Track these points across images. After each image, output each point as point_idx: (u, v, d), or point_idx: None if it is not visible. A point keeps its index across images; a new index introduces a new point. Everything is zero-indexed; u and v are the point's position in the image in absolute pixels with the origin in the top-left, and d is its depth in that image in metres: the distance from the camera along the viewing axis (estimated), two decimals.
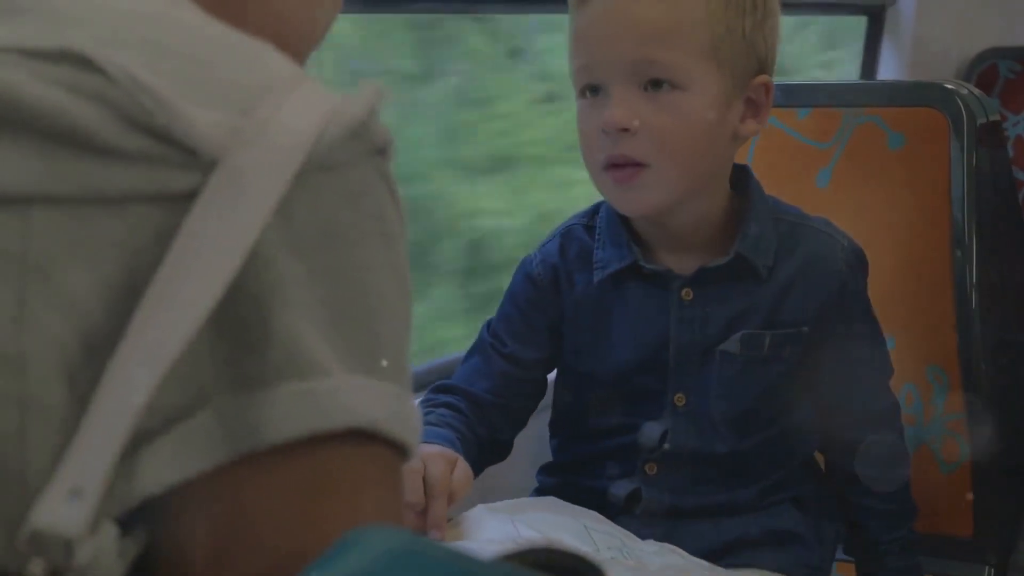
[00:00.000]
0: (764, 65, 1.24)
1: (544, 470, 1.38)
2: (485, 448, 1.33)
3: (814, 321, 1.27)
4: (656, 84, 1.19)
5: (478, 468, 1.32)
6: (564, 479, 1.34)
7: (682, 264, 1.26)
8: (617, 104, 1.19)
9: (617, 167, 1.21)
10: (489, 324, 1.37)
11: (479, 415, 1.33)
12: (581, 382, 1.33)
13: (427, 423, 1.28)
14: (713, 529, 1.28)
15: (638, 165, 1.20)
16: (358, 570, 0.45)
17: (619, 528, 1.25)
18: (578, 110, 1.24)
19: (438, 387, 1.36)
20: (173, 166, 0.50)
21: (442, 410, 1.31)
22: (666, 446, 1.28)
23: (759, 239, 1.26)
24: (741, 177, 1.30)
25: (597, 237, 1.30)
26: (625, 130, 1.19)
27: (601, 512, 1.28)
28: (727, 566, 1.27)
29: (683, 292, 1.26)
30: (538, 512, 1.24)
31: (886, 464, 1.35)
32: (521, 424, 1.37)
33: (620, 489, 1.29)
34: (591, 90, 1.22)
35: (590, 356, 1.32)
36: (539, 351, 1.34)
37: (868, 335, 1.34)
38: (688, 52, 1.19)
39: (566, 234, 1.33)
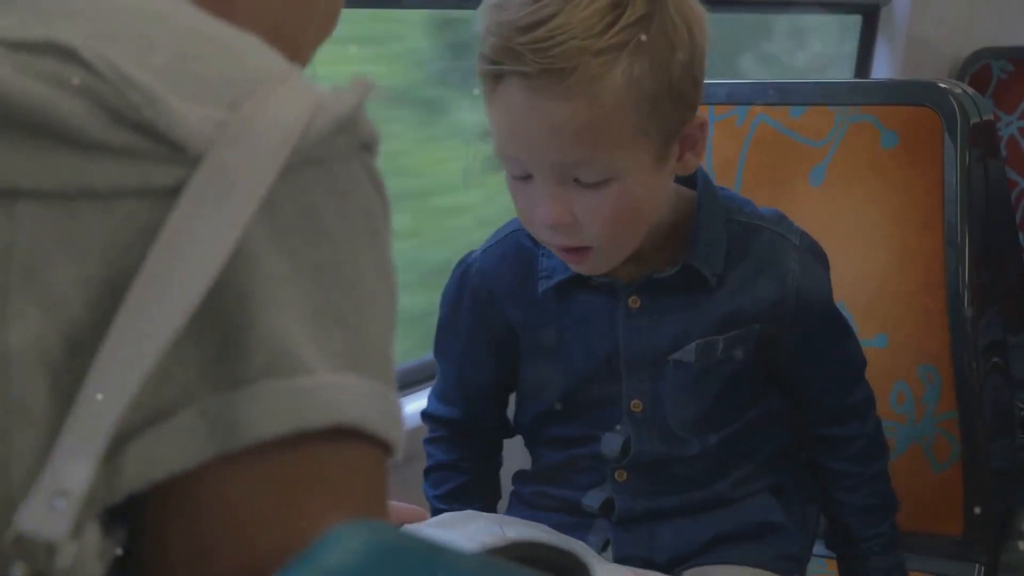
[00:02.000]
0: (696, 104, 1.17)
1: (519, 477, 1.37)
2: (483, 456, 1.38)
3: (767, 318, 1.24)
4: (586, 181, 1.13)
5: (488, 479, 1.39)
6: (537, 488, 1.33)
7: (630, 271, 1.22)
8: (549, 202, 1.13)
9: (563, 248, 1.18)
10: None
11: (464, 433, 1.36)
12: (538, 392, 1.31)
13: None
14: (691, 525, 1.27)
15: (584, 247, 1.17)
16: (343, 565, 0.45)
17: (608, 562, 1.24)
18: (508, 183, 1.18)
19: (424, 416, 1.39)
20: (158, 161, 0.49)
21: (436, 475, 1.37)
22: (629, 455, 1.25)
23: (709, 246, 1.22)
24: (691, 176, 1.25)
25: (541, 245, 1.25)
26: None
27: (572, 515, 1.28)
28: (707, 563, 1.26)
29: (630, 300, 1.23)
30: (526, 528, 1.25)
31: (860, 458, 1.33)
32: (505, 404, 1.38)
33: (593, 500, 1.28)
34: (521, 176, 1.16)
35: (543, 367, 1.29)
36: (487, 357, 1.32)
37: (832, 331, 1.31)
38: (614, 144, 1.11)
39: (509, 240, 1.29)
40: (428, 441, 1.39)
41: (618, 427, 1.26)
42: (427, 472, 1.39)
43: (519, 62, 1.09)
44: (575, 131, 1.10)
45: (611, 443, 1.26)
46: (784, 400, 1.32)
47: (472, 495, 1.35)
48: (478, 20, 1.13)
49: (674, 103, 1.13)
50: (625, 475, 1.27)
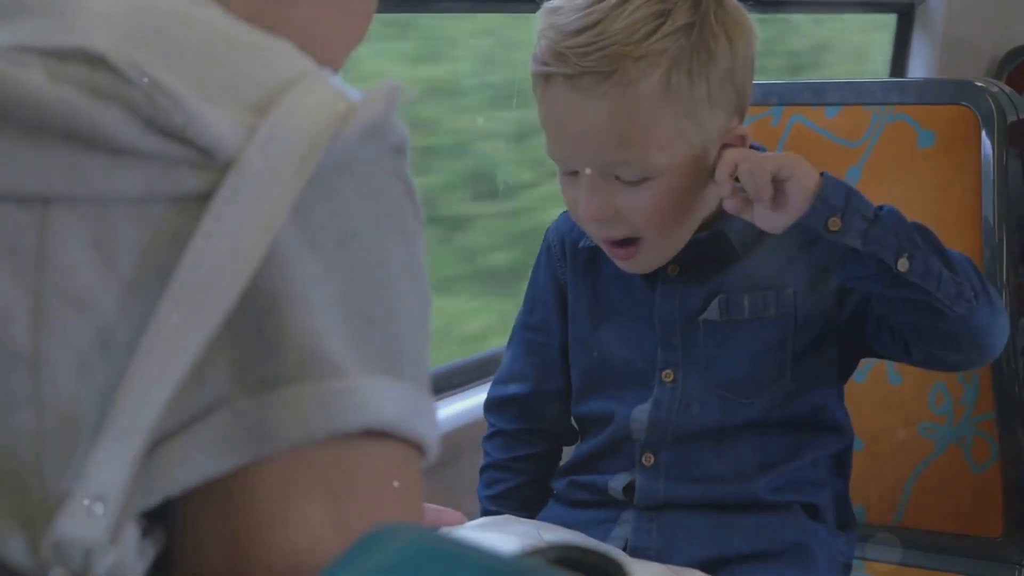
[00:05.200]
0: (740, 112, 1.22)
1: (555, 474, 1.38)
2: (540, 458, 1.39)
3: (806, 283, 1.25)
4: (626, 179, 1.18)
5: (540, 484, 1.38)
6: (569, 478, 1.34)
7: None
8: (592, 196, 1.19)
9: (611, 243, 1.23)
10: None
11: (533, 418, 1.37)
12: (579, 353, 1.33)
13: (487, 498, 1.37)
14: (715, 524, 1.24)
15: (631, 240, 1.21)
16: (379, 567, 0.45)
17: (645, 561, 1.22)
18: (559, 178, 1.24)
19: (488, 407, 1.41)
20: (189, 166, 0.50)
21: (490, 473, 1.39)
22: (656, 422, 1.26)
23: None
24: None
25: None
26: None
27: (602, 508, 1.28)
28: None
29: (670, 268, 1.26)
30: (564, 532, 1.25)
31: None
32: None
33: (617, 482, 1.28)
34: (568, 172, 1.22)
35: (585, 326, 1.32)
36: (555, 317, 1.35)
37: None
38: (650, 146, 1.16)
39: None
40: (486, 439, 1.41)
41: (649, 399, 1.27)
42: (482, 471, 1.40)
43: (563, 64, 1.16)
44: (612, 132, 1.16)
45: (639, 415, 1.27)
46: (835, 394, 1.30)
47: (523, 498, 1.35)
48: (536, 22, 1.20)
49: (712, 111, 1.18)
50: (652, 459, 1.27)
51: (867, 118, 1.66)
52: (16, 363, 0.48)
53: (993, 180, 1.56)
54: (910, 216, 1.60)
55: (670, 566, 1.20)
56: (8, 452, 0.48)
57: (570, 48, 1.15)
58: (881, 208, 1.17)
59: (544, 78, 1.19)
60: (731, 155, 1.17)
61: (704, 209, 1.24)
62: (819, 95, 1.69)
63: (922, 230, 1.20)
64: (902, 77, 2.64)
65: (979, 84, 1.61)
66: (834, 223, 1.14)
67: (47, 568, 0.48)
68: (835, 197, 1.14)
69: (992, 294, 1.20)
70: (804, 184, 1.13)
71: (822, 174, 1.15)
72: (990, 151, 1.56)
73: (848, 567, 1.32)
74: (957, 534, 1.53)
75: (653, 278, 1.27)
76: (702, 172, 1.20)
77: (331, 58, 0.66)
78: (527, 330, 1.38)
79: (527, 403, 1.38)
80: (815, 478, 1.28)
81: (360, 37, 0.70)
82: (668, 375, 1.27)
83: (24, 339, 0.48)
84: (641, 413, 1.27)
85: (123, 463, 0.48)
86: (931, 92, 1.65)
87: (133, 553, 0.49)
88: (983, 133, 1.57)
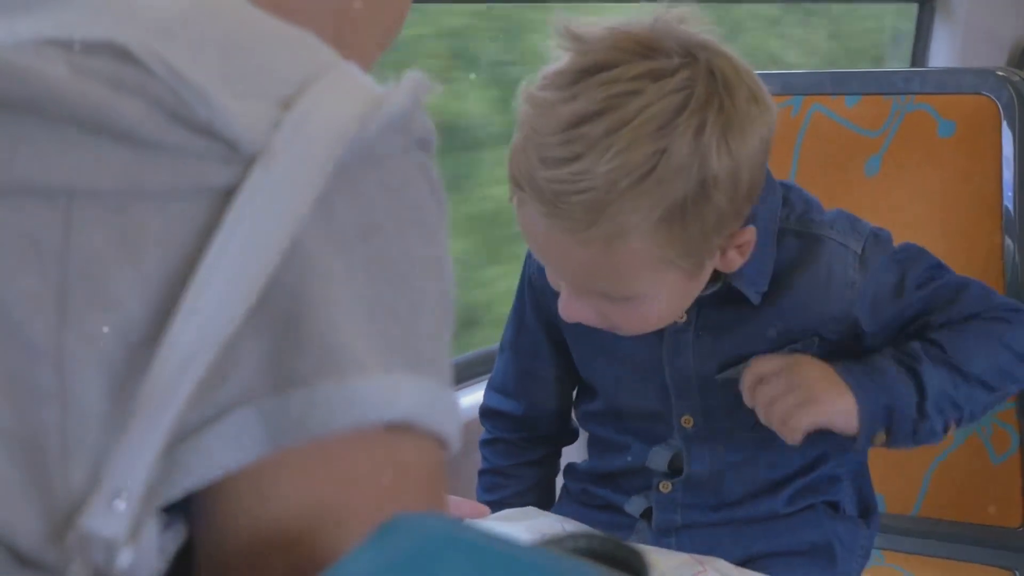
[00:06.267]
0: (744, 214, 1.06)
1: (569, 472, 1.37)
2: (540, 463, 1.38)
3: (828, 331, 1.17)
4: (611, 296, 1.07)
5: (542, 488, 1.38)
6: (585, 486, 1.33)
7: None
8: (571, 305, 1.09)
9: None
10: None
11: (524, 431, 1.36)
12: (591, 393, 1.31)
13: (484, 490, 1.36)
14: (734, 538, 1.24)
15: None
16: (400, 555, 0.45)
17: (667, 550, 1.22)
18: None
19: (483, 414, 1.39)
20: (214, 160, 0.50)
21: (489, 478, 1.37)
22: (679, 472, 1.24)
23: (754, 262, 1.13)
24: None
25: None
26: None
27: (620, 520, 1.27)
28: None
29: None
30: (587, 527, 1.25)
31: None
32: (568, 402, 1.37)
33: (634, 508, 1.27)
34: None
35: (591, 369, 1.29)
36: (546, 347, 1.32)
37: (908, 302, 1.18)
38: (639, 280, 1.05)
39: None
40: (484, 443, 1.39)
41: (669, 440, 1.24)
42: (481, 474, 1.39)
43: (539, 198, 1.01)
44: (592, 270, 1.04)
45: (658, 458, 1.25)
46: None
47: (527, 503, 1.34)
48: (517, 100, 1.04)
49: (708, 240, 1.04)
50: (670, 487, 1.25)
51: (887, 107, 1.65)
52: (41, 358, 0.48)
53: (1014, 169, 1.56)
54: (931, 207, 1.61)
55: (695, 555, 1.20)
56: (33, 445, 0.49)
57: (547, 180, 0.99)
58: (918, 368, 1.10)
59: (519, 199, 1.05)
60: (750, 381, 1.10)
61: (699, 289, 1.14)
62: (839, 84, 1.69)
63: (958, 363, 1.12)
64: (923, 66, 2.63)
65: (1000, 73, 1.60)
66: (879, 438, 1.08)
67: (68, 561, 0.48)
68: (876, 422, 1.07)
69: None
70: (844, 429, 1.08)
71: (855, 394, 1.08)
72: (1011, 140, 1.56)
73: (868, 553, 1.31)
74: (976, 524, 1.53)
75: (659, 329, 1.17)
76: (697, 278, 1.10)
77: (362, 53, 0.66)
78: (517, 353, 1.34)
79: (522, 421, 1.36)
80: (833, 475, 1.27)
81: (395, 32, 0.70)
82: (687, 421, 1.23)
83: (48, 334, 0.48)
84: (660, 456, 1.25)
85: (145, 458, 0.48)
86: (952, 81, 1.65)
87: (154, 547, 0.49)
88: (1004, 122, 1.56)
